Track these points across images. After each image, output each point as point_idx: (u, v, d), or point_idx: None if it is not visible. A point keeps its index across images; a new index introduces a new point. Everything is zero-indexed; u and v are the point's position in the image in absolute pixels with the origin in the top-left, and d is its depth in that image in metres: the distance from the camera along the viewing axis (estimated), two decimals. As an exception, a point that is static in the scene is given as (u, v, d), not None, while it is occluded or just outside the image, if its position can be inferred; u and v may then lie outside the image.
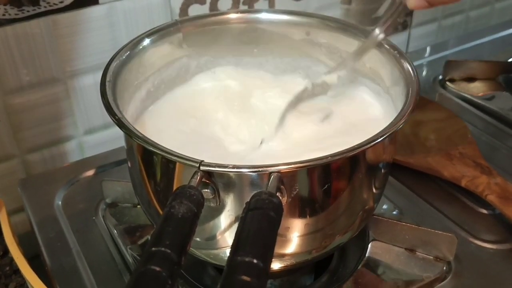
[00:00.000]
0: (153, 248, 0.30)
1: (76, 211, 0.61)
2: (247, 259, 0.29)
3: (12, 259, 0.55)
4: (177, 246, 0.31)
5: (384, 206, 0.60)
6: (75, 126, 0.70)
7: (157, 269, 0.29)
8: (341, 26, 0.55)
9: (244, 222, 0.33)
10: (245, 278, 0.28)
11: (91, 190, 0.63)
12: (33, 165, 0.69)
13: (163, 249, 0.30)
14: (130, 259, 0.54)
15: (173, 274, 0.29)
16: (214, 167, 0.38)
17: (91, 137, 0.72)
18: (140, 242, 0.56)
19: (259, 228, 0.32)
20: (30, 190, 0.63)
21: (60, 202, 0.62)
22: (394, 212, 0.59)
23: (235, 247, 0.31)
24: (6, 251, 0.57)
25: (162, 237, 0.31)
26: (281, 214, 0.34)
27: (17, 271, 0.56)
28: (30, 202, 0.62)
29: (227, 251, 0.32)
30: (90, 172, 0.66)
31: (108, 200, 0.61)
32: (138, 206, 0.59)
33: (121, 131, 0.43)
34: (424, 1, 0.47)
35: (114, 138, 0.71)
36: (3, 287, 0.56)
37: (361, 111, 0.54)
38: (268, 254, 0.31)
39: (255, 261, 0.29)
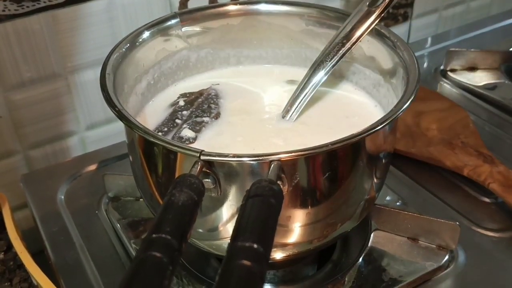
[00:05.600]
0: (154, 235, 0.30)
1: (79, 205, 0.61)
2: (247, 244, 0.29)
3: (16, 254, 0.55)
4: (177, 233, 0.31)
5: (388, 198, 0.60)
6: (77, 122, 0.70)
7: (158, 255, 0.29)
8: (340, 16, 0.55)
9: (244, 209, 0.33)
10: (245, 262, 0.28)
11: (93, 185, 0.63)
12: (35, 161, 0.70)
13: (163, 235, 0.30)
14: (133, 252, 0.54)
15: (173, 260, 0.29)
16: (214, 156, 0.38)
17: (93, 132, 0.72)
18: (143, 235, 0.56)
19: (259, 214, 0.32)
20: (32, 185, 0.64)
21: (63, 197, 0.62)
22: (398, 203, 0.59)
23: (235, 233, 0.31)
24: (9, 246, 0.57)
25: (163, 224, 0.31)
26: (281, 201, 0.34)
27: (21, 266, 0.56)
28: (33, 197, 0.62)
29: (230, 241, 0.32)
30: (92, 167, 0.66)
31: (110, 194, 0.61)
32: (141, 200, 0.59)
33: (122, 125, 0.43)
34: None
35: (115, 133, 0.71)
36: (7, 281, 0.56)
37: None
38: (268, 240, 0.31)
39: (255, 246, 0.29)
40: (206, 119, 0.51)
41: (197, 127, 0.50)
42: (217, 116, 0.52)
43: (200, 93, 0.55)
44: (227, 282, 0.28)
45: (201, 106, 0.53)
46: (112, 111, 0.42)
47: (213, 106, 0.54)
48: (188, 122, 0.51)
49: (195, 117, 0.52)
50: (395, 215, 0.55)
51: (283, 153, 0.38)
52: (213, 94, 0.55)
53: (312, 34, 0.57)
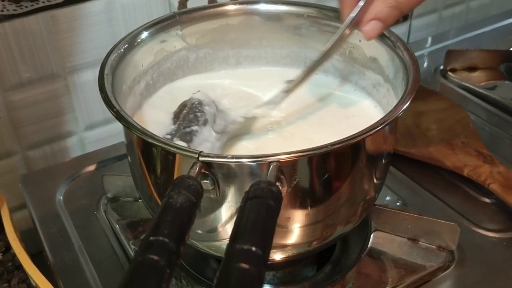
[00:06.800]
0: (151, 238, 0.30)
1: (77, 206, 0.61)
2: (245, 247, 0.29)
3: (14, 255, 0.55)
4: (175, 236, 0.30)
5: (387, 198, 0.60)
6: (76, 122, 0.70)
7: (155, 258, 0.28)
8: (339, 16, 0.54)
9: (243, 211, 0.33)
10: (243, 265, 0.28)
11: (92, 185, 0.63)
12: (34, 161, 0.69)
13: (161, 238, 0.30)
14: (132, 253, 0.54)
15: (171, 263, 0.29)
16: (213, 157, 0.38)
17: (92, 132, 0.72)
18: (142, 236, 0.56)
19: (257, 217, 0.32)
20: (31, 186, 0.63)
21: (61, 198, 0.62)
22: (398, 203, 0.59)
23: (233, 235, 0.31)
24: (8, 247, 0.57)
25: (160, 226, 0.31)
26: (280, 203, 0.34)
27: (19, 267, 0.56)
28: (32, 198, 0.62)
29: (229, 242, 0.32)
30: (91, 167, 0.66)
31: (109, 195, 0.61)
32: (140, 200, 0.59)
33: (121, 126, 0.43)
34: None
35: (114, 133, 0.71)
36: (6, 283, 0.56)
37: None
38: (267, 242, 0.30)
39: (253, 249, 0.29)
40: (194, 127, 0.50)
41: (188, 137, 0.50)
42: (205, 122, 0.51)
43: (184, 105, 0.54)
44: (225, 285, 0.27)
45: (187, 117, 0.52)
46: (111, 112, 0.42)
47: (199, 114, 0.52)
48: (177, 135, 0.50)
49: (183, 128, 0.51)
50: (395, 215, 0.54)
51: (282, 154, 0.38)
52: (196, 103, 0.54)
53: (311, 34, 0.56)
